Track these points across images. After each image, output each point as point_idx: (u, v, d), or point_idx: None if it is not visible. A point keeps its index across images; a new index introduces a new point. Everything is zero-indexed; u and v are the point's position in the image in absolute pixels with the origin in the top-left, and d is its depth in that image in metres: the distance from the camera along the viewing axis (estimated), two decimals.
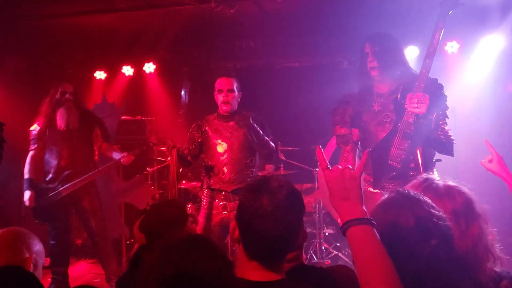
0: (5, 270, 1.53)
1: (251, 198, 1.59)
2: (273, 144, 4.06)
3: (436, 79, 3.17)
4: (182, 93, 7.15)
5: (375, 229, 1.32)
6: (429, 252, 1.34)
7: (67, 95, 4.58)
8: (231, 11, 5.09)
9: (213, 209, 4.03)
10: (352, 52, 6.29)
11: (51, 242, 4.57)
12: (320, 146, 1.58)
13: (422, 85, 2.92)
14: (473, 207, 1.55)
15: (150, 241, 2.24)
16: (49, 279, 4.62)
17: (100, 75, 6.95)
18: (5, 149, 3.81)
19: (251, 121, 3.87)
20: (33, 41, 6.13)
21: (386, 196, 1.54)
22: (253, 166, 4.10)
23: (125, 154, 4.60)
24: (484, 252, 1.50)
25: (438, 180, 1.66)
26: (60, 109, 4.57)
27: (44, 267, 5.46)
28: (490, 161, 2.21)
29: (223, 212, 3.97)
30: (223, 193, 4.02)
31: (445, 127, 3.16)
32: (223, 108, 4.03)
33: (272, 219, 1.54)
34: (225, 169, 4.00)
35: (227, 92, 3.99)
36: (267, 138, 3.98)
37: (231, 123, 4.05)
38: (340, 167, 1.44)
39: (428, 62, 2.93)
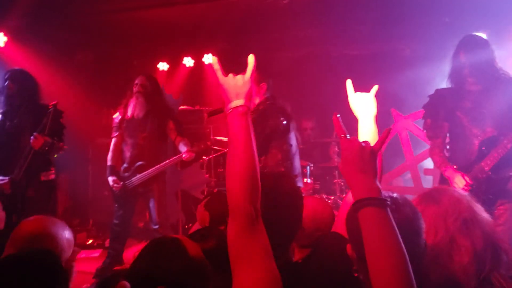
0: (32, 253, 1.58)
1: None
2: None
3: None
4: None
5: (389, 211, 1.22)
6: None
7: (137, 87, 4.77)
8: (284, 2, 5.06)
9: None
10: (414, 39, 6.07)
11: (115, 221, 4.86)
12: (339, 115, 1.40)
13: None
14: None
15: (213, 221, 2.37)
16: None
17: (163, 66, 7.20)
18: (67, 134, 4.12)
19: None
20: (101, 35, 6.45)
21: None
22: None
23: (187, 149, 4.70)
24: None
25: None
26: (131, 100, 4.82)
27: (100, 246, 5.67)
28: None
29: None
30: None
31: None
32: None
33: None
34: None
35: None
36: None
37: None
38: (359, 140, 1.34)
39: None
